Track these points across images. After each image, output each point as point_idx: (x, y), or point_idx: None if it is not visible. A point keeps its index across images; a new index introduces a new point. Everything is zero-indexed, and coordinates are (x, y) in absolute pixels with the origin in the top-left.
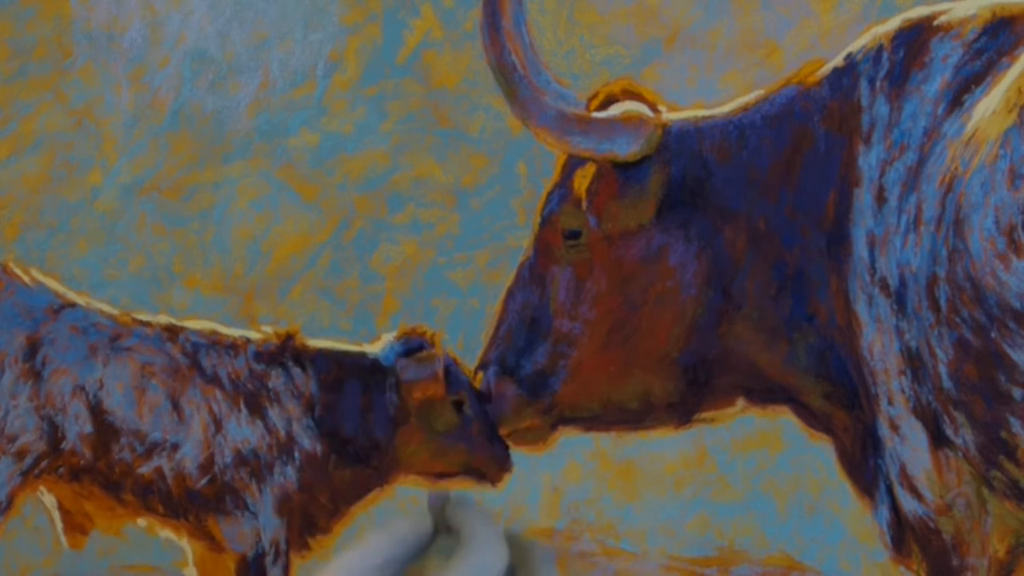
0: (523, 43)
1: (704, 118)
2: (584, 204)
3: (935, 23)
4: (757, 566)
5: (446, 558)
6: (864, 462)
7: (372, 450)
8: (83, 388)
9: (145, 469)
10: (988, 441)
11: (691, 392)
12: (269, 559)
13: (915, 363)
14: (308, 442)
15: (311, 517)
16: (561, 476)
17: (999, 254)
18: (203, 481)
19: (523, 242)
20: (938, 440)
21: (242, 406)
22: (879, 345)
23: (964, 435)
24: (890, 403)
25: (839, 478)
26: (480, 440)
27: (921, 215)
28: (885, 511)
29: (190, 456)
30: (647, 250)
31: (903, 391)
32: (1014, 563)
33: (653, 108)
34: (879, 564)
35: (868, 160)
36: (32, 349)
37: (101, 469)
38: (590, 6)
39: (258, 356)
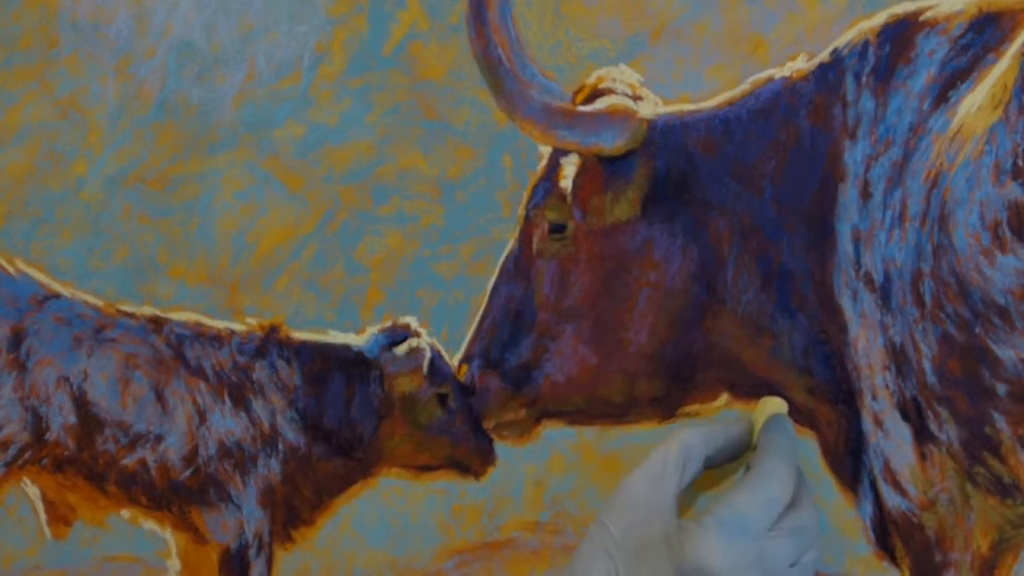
0: (509, 36)
1: (690, 112)
2: (569, 197)
3: (921, 18)
4: None
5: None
6: (847, 457)
7: (356, 442)
8: (67, 379)
9: (129, 460)
10: (972, 437)
11: (675, 386)
12: (252, 551)
13: (899, 358)
14: (292, 434)
15: (295, 509)
16: (545, 469)
17: (984, 249)
18: (187, 472)
19: (508, 234)
20: (922, 435)
21: (226, 398)
22: (863, 340)
23: (948, 430)
24: (874, 398)
25: (822, 472)
26: (464, 433)
27: (906, 210)
28: (868, 506)
29: (174, 447)
30: (632, 244)
31: (887, 386)
32: (997, 559)
33: (635, 98)
34: (862, 558)
35: (853, 155)
36: (16, 339)
37: (85, 460)
38: None
39: (242, 348)
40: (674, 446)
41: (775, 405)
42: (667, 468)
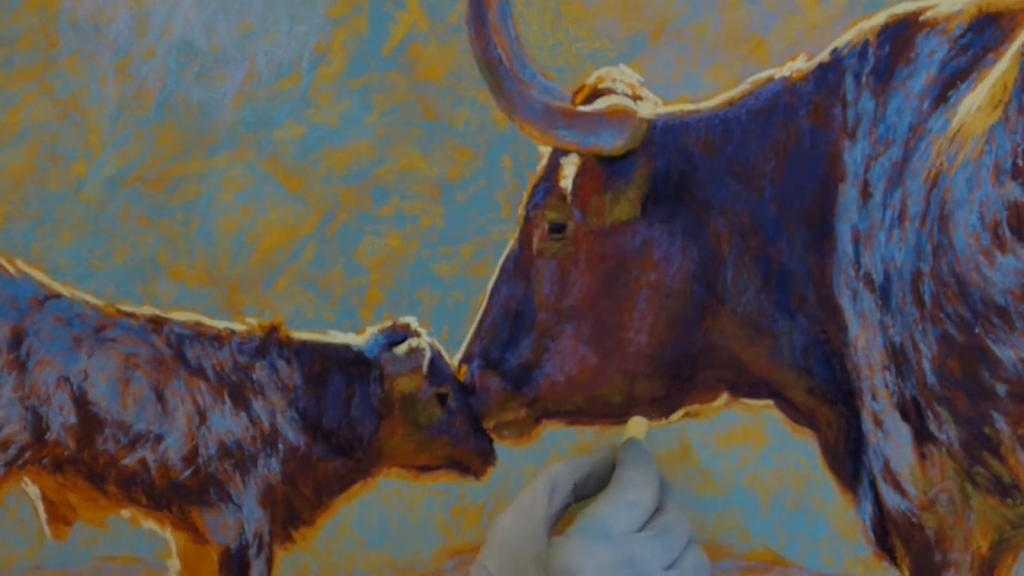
0: (509, 37)
1: (690, 112)
2: (569, 197)
3: (921, 18)
4: (740, 560)
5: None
6: (847, 457)
7: (356, 442)
8: (67, 379)
9: (129, 460)
10: (971, 437)
11: (675, 386)
12: (252, 551)
13: (899, 358)
14: (292, 434)
15: (295, 509)
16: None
17: (983, 250)
18: (187, 472)
19: (508, 235)
20: (921, 436)
21: (226, 398)
22: (863, 340)
23: (948, 431)
24: (874, 398)
25: (822, 473)
26: (464, 433)
27: (906, 210)
28: (868, 506)
29: (174, 447)
30: (632, 244)
31: (887, 386)
32: (997, 559)
33: (635, 98)
34: (862, 559)
35: (853, 155)
36: (17, 340)
37: (85, 460)
38: (576, 0)
39: (242, 348)
40: (540, 479)
41: (634, 428)
42: (535, 499)
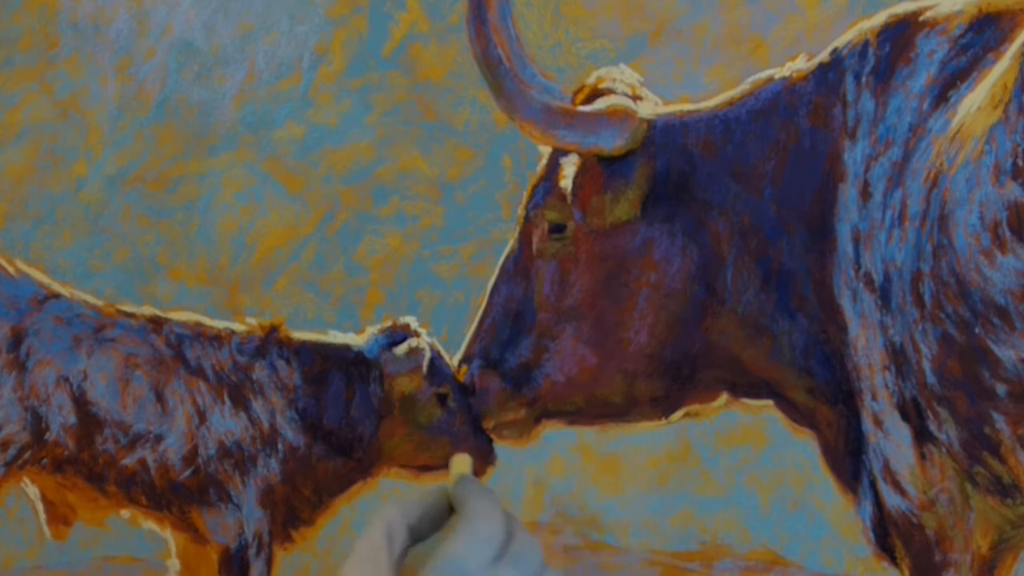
0: (509, 37)
1: (689, 112)
2: (569, 198)
3: (921, 19)
4: (740, 561)
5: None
6: (847, 457)
7: (356, 442)
8: (67, 379)
9: (128, 460)
10: (971, 437)
11: (675, 386)
12: (252, 551)
13: (899, 359)
14: (292, 434)
15: (294, 509)
16: (544, 470)
17: (983, 250)
18: (186, 473)
19: (508, 235)
20: (921, 436)
21: (226, 398)
22: (863, 340)
23: (947, 431)
24: (874, 398)
25: (822, 474)
26: (464, 433)
27: (906, 211)
28: (868, 507)
29: (174, 448)
30: (632, 244)
31: (887, 386)
32: (996, 559)
33: (635, 99)
34: (862, 559)
35: (853, 155)
36: (16, 340)
37: (85, 460)
38: (576, 0)
39: (242, 348)
40: (374, 527)
41: (459, 465)
42: (375, 547)
